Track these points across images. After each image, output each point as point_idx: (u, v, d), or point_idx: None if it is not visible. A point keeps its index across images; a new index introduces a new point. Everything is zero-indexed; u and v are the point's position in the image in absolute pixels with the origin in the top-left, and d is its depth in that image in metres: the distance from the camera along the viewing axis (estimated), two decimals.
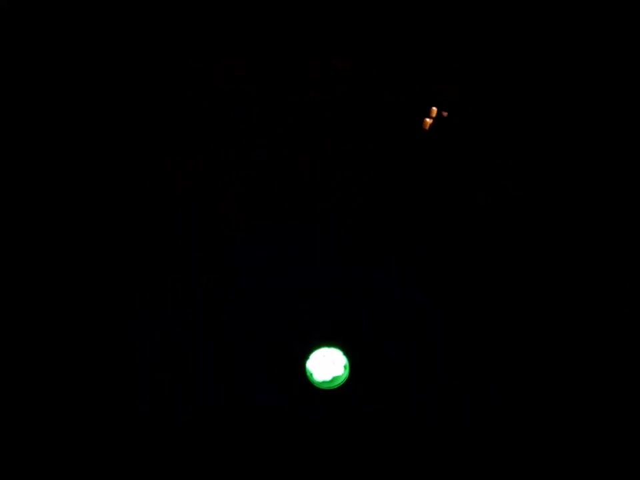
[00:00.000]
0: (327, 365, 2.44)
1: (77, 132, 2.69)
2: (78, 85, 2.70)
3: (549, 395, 2.38)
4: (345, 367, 2.44)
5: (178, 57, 2.78)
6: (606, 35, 2.62)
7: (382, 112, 2.79)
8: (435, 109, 2.66)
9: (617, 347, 2.39)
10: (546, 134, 2.68)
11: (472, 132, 2.72)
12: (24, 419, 2.31)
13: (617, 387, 2.34)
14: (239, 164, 2.79)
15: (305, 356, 2.44)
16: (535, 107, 2.70)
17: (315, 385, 2.42)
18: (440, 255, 2.63)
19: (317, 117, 2.84)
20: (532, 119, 2.70)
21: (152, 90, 2.77)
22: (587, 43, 2.65)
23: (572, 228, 2.57)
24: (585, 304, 2.47)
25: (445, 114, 2.67)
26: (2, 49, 2.61)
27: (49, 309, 2.49)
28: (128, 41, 2.73)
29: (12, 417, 2.30)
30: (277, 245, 2.71)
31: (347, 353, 2.47)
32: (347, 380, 2.43)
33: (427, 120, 2.69)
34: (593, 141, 2.64)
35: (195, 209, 2.70)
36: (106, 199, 2.68)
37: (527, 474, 2.26)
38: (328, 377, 2.42)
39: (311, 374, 2.42)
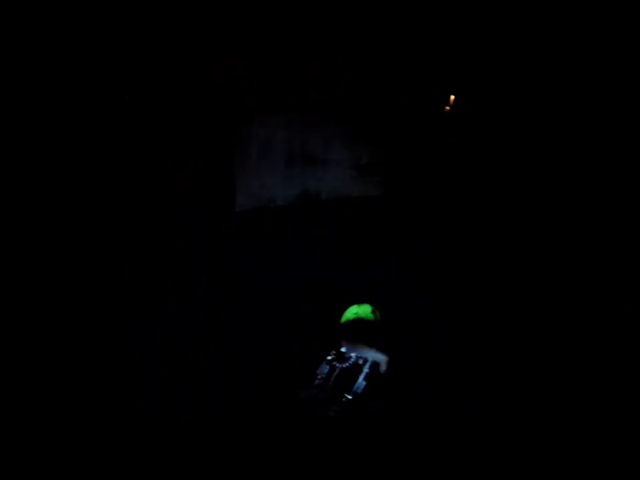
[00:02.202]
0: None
1: (77, 132, 2.69)
2: (78, 84, 2.70)
3: (549, 395, 2.38)
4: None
5: (178, 57, 2.78)
6: (606, 34, 2.62)
7: (382, 112, 2.79)
8: (453, 97, 2.66)
9: (617, 346, 2.39)
10: (546, 134, 2.68)
11: (472, 132, 2.72)
12: (24, 419, 2.31)
13: (616, 387, 2.34)
14: (239, 163, 2.80)
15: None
16: (535, 107, 2.71)
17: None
18: (440, 255, 2.63)
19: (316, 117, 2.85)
20: (532, 119, 2.70)
21: (152, 90, 2.77)
22: (587, 43, 2.65)
23: (572, 228, 2.57)
24: (585, 304, 2.47)
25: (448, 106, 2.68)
26: (2, 48, 2.61)
27: (49, 309, 2.49)
28: (128, 41, 2.73)
29: (12, 417, 2.30)
30: (278, 244, 2.72)
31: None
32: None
33: (447, 107, 2.69)
34: (593, 141, 2.64)
35: (195, 209, 2.70)
36: (106, 198, 2.68)
37: (527, 474, 2.25)
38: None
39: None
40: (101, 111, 2.71)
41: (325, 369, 2.39)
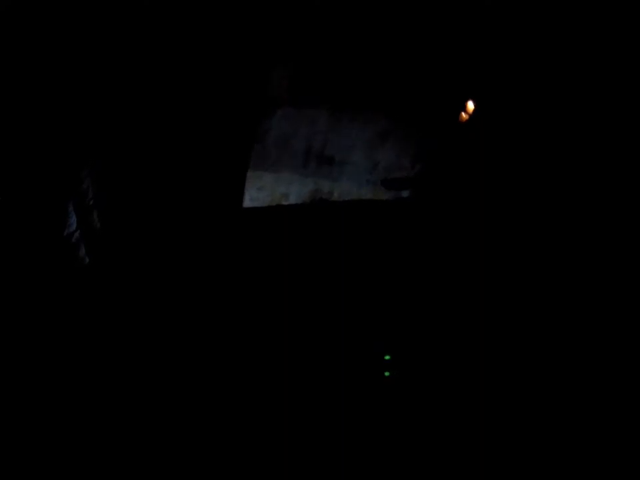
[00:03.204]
0: None
1: (78, 131, 2.67)
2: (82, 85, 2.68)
3: (549, 395, 2.36)
4: None
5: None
6: (605, 37, 2.54)
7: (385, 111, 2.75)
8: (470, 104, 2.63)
9: (617, 346, 2.36)
10: (546, 134, 2.62)
11: (474, 133, 2.67)
12: (24, 419, 2.32)
13: (616, 386, 2.31)
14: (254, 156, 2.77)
15: None
16: (535, 107, 2.63)
17: None
18: (439, 254, 2.59)
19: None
20: (532, 119, 2.63)
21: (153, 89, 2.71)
22: (586, 46, 2.57)
23: (572, 227, 2.53)
24: (585, 303, 2.44)
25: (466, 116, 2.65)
26: (6, 49, 2.58)
27: (49, 309, 2.48)
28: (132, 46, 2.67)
29: (12, 417, 2.31)
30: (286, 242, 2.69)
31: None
32: None
33: (463, 114, 2.65)
34: (591, 142, 2.58)
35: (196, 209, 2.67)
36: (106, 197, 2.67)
37: (527, 474, 2.24)
38: None
39: None
40: (102, 104, 2.67)
41: None
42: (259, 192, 2.81)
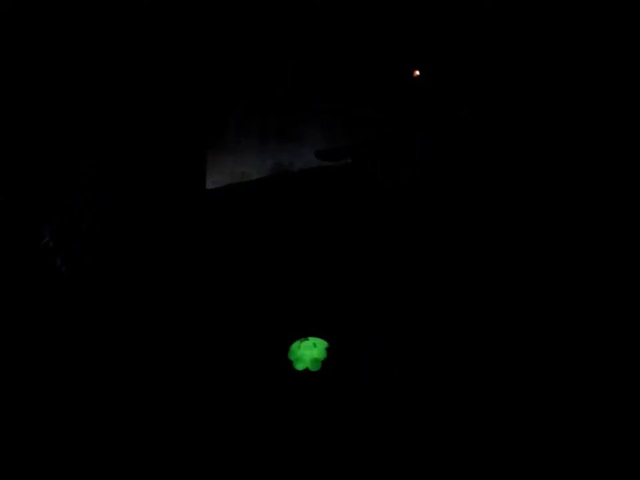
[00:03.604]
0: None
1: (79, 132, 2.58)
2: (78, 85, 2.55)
3: (549, 395, 2.38)
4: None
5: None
6: (605, 37, 2.39)
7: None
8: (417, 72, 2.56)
9: (617, 346, 2.39)
10: (545, 135, 2.52)
11: (473, 133, 2.56)
12: (25, 419, 2.35)
13: (615, 387, 2.34)
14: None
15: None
16: (535, 108, 2.56)
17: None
18: (437, 253, 2.57)
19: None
20: (532, 120, 2.58)
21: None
22: (586, 46, 2.42)
23: (570, 227, 2.54)
24: (585, 303, 2.47)
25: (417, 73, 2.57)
26: (6, 49, 2.44)
27: (49, 308, 2.49)
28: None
29: (11, 417, 2.34)
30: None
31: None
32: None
33: (416, 72, 2.57)
34: (591, 142, 2.57)
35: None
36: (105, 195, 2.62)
37: (526, 473, 2.24)
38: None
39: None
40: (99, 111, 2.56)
41: None
42: (219, 175, 2.80)
